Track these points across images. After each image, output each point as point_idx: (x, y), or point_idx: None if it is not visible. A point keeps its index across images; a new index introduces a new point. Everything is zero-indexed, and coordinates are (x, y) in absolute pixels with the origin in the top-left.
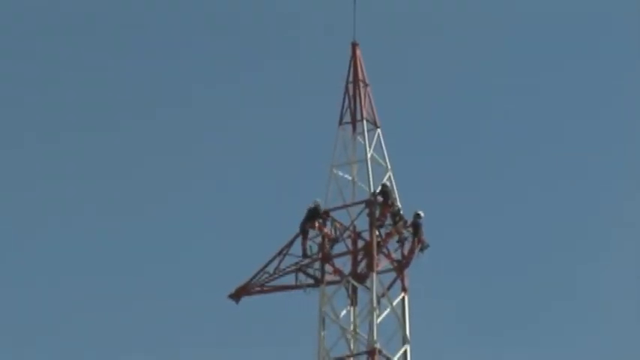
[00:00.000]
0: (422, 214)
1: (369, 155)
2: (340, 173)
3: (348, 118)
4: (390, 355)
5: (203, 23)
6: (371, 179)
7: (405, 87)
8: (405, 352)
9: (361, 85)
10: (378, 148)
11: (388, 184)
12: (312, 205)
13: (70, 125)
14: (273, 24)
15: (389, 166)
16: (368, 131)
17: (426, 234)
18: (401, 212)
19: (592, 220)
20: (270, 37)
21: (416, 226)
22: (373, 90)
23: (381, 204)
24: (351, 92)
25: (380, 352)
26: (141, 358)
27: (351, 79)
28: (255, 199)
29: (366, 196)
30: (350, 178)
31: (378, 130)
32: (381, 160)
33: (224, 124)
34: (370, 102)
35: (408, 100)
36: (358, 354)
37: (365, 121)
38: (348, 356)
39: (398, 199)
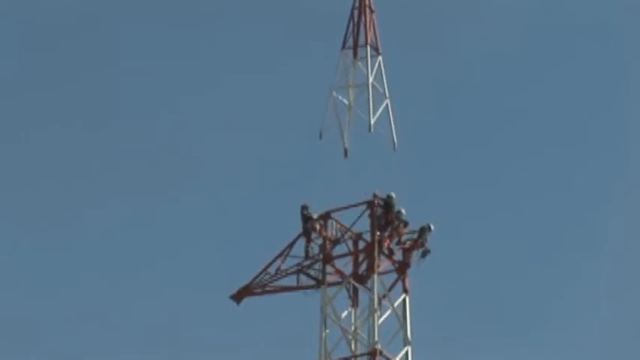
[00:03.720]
0: (432, 227)
1: (370, 80)
2: (340, 97)
3: (351, 43)
4: (391, 357)
5: (203, 22)
6: (371, 103)
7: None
8: (407, 353)
9: (367, 11)
10: (378, 77)
11: (394, 195)
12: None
13: (70, 125)
14: (278, 20)
15: (387, 94)
16: (370, 58)
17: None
18: (403, 216)
19: (592, 220)
20: (275, 35)
21: (422, 231)
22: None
23: (382, 214)
24: (355, 19)
25: (381, 353)
26: (141, 358)
27: (357, 4)
28: (256, 200)
29: (368, 197)
30: (347, 103)
31: (379, 58)
32: (379, 88)
33: (225, 124)
34: (374, 29)
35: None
36: (359, 355)
37: (368, 47)
38: (349, 357)
39: (403, 211)
